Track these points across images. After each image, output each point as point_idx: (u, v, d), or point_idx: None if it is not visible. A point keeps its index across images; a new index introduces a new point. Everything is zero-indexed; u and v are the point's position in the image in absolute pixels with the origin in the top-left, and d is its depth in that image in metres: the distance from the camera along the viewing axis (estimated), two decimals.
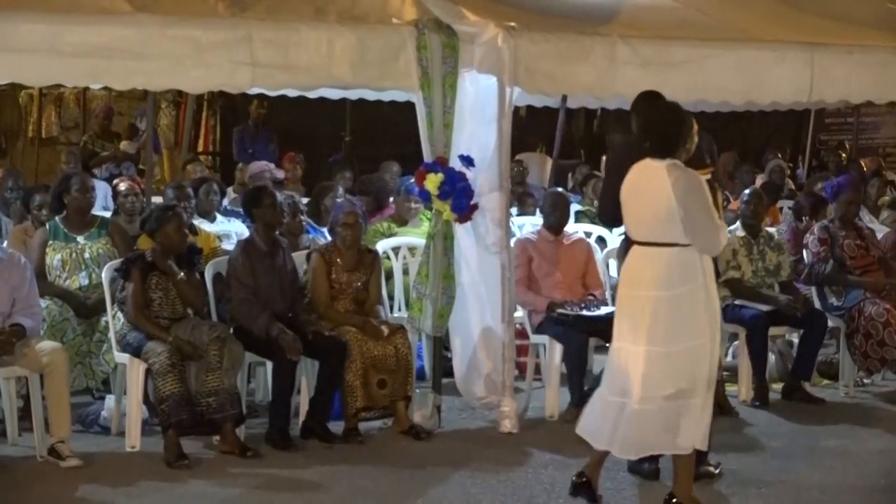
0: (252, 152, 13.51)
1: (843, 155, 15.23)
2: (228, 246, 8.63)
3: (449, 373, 8.15)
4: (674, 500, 6.15)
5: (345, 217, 7.88)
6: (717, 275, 6.87)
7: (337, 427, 7.53)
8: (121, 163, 12.99)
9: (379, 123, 14.87)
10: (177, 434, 7.00)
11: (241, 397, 7.28)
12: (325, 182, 10.62)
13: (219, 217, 9.76)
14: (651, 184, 6.06)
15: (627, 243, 6.93)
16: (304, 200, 9.88)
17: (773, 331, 8.66)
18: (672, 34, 8.23)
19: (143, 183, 9.79)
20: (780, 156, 14.72)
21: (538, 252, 8.47)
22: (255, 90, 8.35)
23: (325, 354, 7.50)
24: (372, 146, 15.72)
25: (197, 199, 9.45)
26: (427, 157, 7.72)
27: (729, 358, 9.05)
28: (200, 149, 16.79)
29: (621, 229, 9.06)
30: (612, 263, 8.98)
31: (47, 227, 8.19)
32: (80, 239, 8.15)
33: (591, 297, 8.32)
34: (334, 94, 10.28)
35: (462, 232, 7.84)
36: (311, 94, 9.91)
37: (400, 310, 8.79)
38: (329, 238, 8.39)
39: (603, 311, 8.17)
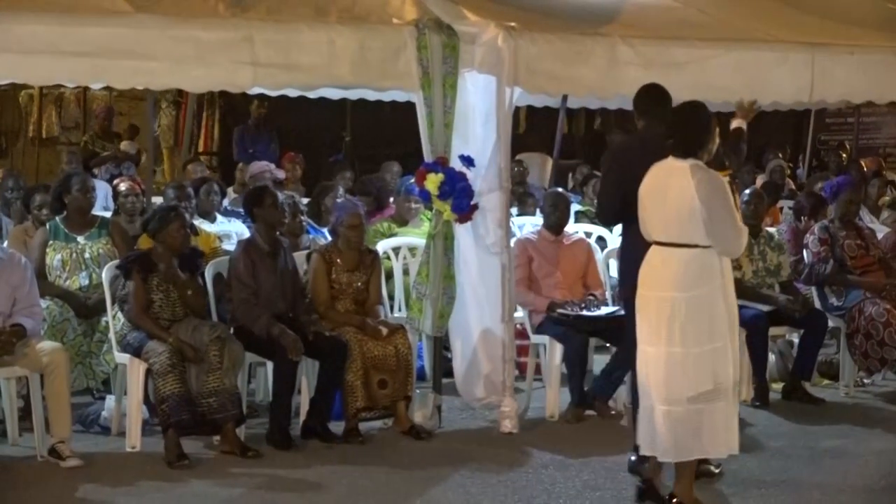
0: (252, 152, 13.50)
1: (844, 155, 15.24)
2: (229, 246, 8.63)
3: (449, 373, 8.14)
4: (675, 500, 6.15)
5: (350, 219, 7.87)
6: None
7: (337, 427, 7.54)
8: (121, 163, 13.00)
9: (379, 123, 14.88)
10: (177, 434, 7.00)
11: (241, 397, 7.28)
12: (325, 182, 10.62)
13: (219, 217, 9.76)
14: (673, 184, 6.04)
15: (626, 242, 6.95)
16: (305, 200, 9.88)
17: (773, 331, 8.66)
18: (673, 34, 8.23)
19: (144, 183, 9.79)
20: (780, 156, 14.72)
21: (538, 252, 8.47)
22: (255, 90, 8.35)
23: (326, 354, 7.51)
24: (372, 146, 15.73)
25: (197, 200, 9.45)
26: (427, 157, 7.72)
27: None
28: (201, 149, 16.78)
29: (621, 229, 9.10)
30: (613, 263, 8.98)
31: (48, 227, 8.19)
32: (81, 239, 8.15)
33: (591, 298, 8.32)
34: (335, 94, 10.29)
35: (462, 232, 7.83)
36: (312, 95, 9.92)
37: (400, 310, 8.79)
38: (329, 238, 8.39)
39: (603, 311, 8.18)
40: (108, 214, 9.15)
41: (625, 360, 7.95)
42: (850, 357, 8.87)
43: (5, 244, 8.27)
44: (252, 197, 7.94)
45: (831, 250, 9.06)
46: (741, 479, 6.76)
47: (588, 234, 9.75)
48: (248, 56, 7.25)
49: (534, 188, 12.35)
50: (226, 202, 10.52)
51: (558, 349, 8.13)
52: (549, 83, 8.09)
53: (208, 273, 7.74)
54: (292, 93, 9.55)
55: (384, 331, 7.67)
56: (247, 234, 8.43)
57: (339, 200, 8.65)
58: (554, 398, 8.12)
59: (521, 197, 11.26)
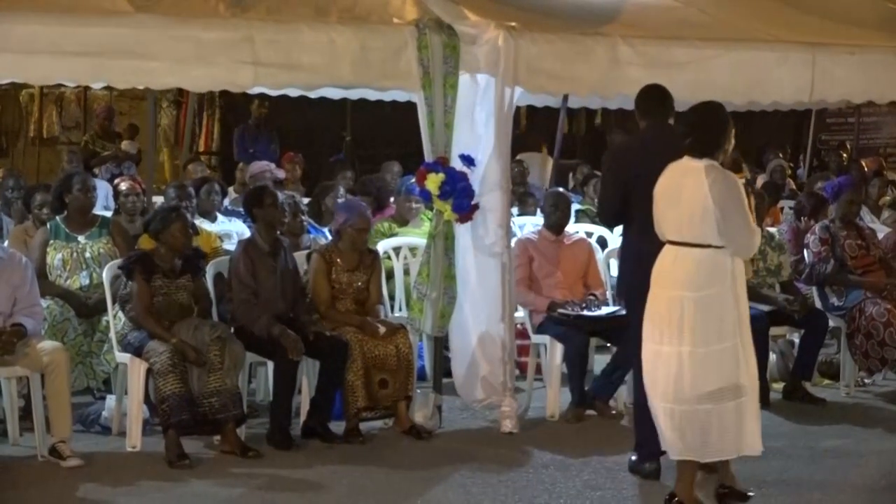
0: (253, 152, 13.51)
1: (844, 155, 15.24)
2: (229, 246, 8.64)
3: (449, 373, 8.14)
4: (675, 500, 6.15)
5: (360, 222, 7.87)
6: None
7: (338, 427, 7.53)
8: (121, 162, 13.00)
9: (379, 123, 14.88)
10: (177, 434, 7.00)
11: (242, 397, 7.28)
12: (326, 182, 10.62)
13: (220, 217, 9.76)
14: (688, 184, 6.05)
15: (626, 242, 6.95)
16: (305, 200, 9.88)
17: (774, 331, 8.65)
18: (673, 34, 8.23)
19: (144, 183, 9.80)
20: (781, 156, 14.73)
21: (539, 252, 8.47)
22: (256, 90, 8.35)
23: (326, 354, 7.50)
24: (372, 146, 15.74)
25: (198, 199, 9.45)
26: (428, 156, 7.71)
27: None
28: (201, 149, 16.79)
29: (621, 229, 9.10)
30: (613, 263, 8.98)
31: (48, 226, 8.20)
32: (81, 238, 8.15)
33: (592, 297, 8.32)
34: (335, 93, 10.28)
35: (463, 232, 7.83)
36: (312, 94, 9.91)
37: (400, 310, 8.79)
38: (329, 238, 8.39)
39: (604, 311, 8.18)
40: (108, 214, 9.15)
41: (625, 361, 7.97)
42: (851, 357, 8.87)
43: (6, 244, 8.27)
44: (252, 197, 7.94)
45: (832, 250, 9.06)
46: (741, 479, 6.73)
47: (589, 234, 9.75)
48: (248, 56, 7.25)
49: (534, 188, 12.35)
50: (226, 202, 10.51)
51: (559, 349, 8.13)
52: (550, 83, 8.09)
53: (209, 273, 7.74)
54: (293, 92, 9.55)
55: (381, 329, 7.67)
56: (247, 233, 8.43)
57: (345, 201, 8.58)
58: (554, 398, 8.12)
59: (521, 197, 11.26)
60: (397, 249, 9.07)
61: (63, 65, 7.03)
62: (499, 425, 7.73)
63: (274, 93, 9.32)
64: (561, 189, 9.77)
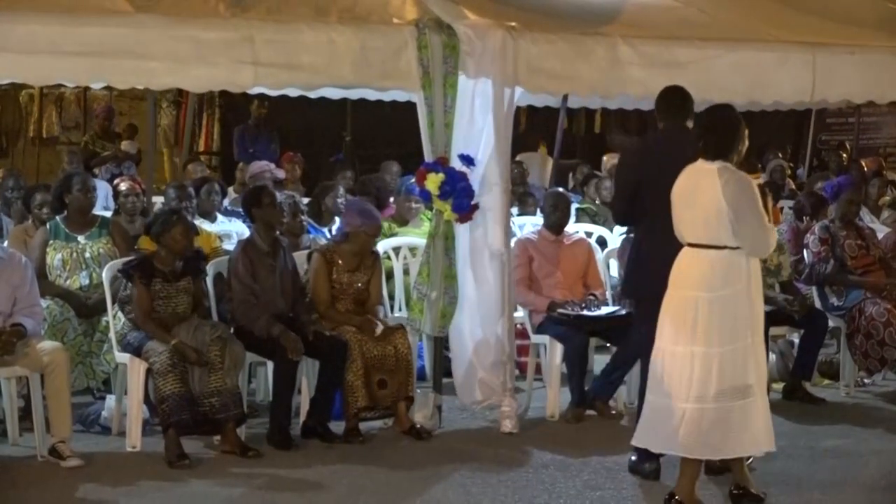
0: (253, 152, 13.50)
1: (844, 155, 15.23)
2: (229, 246, 8.63)
3: (450, 373, 8.13)
4: (675, 499, 6.15)
5: (374, 230, 7.90)
6: None
7: (338, 427, 7.53)
8: (121, 163, 13.00)
9: (379, 123, 14.88)
10: (177, 434, 6.99)
11: (242, 397, 7.28)
12: (325, 182, 10.62)
13: (219, 217, 9.76)
14: (702, 186, 6.08)
15: (635, 241, 6.96)
16: (305, 200, 9.88)
17: (773, 331, 8.64)
18: (674, 34, 8.23)
19: (144, 183, 9.79)
20: (780, 155, 14.71)
21: (539, 252, 8.47)
22: (256, 90, 8.35)
23: (326, 354, 7.50)
24: (372, 146, 15.74)
25: (198, 199, 9.44)
26: (428, 156, 7.71)
27: None
28: (201, 149, 16.78)
29: (622, 229, 9.10)
30: (613, 263, 8.99)
31: (48, 226, 8.19)
32: (81, 239, 8.15)
33: (591, 297, 8.32)
34: (335, 93, 10.28)
35: (463, 232, 7.83)
36: (312, 94, 9.91)
37: (400, 310, 8.79)
38: (329, 238, 8.38)
39: (604, 311, 8.18)
40: (108, 214, 9.15)
41: (625, 361, 7.99)
42: (851, 357, 8.87)
43: (5, 244, 8.27)
44: (250, 197, 7.94)
45: (832, 250, 9.06)
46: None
47: (589, 234, 9.75)
48: (248, 56, 7.25)
49: (534, 188, 12.35)
50: (226, 202, 10.51)
51: (559, 349, 8.13)
52: (550, 83, 8.09)
53: (209, 273, 7.73)
54: (293, 92, 9.54)
55: (379, 328, 7.66)
56: (247, 233, 8.42)
57: (360, 204, 8.39)
58: (554, 398, 8.12)
59: (521, 197, 11.26)
60: (397, 249, 9.07)
61: (63, 65, 7.03)
62: (499, 425, 7.72)
63: (274, 93, 9.32)
64: (561, 189, 9.78)
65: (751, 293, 6.10)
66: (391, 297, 8.83)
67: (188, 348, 7.08)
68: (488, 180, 7.69)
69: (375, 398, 7.59)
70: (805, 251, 9.23)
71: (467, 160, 7.65)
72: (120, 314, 7.56)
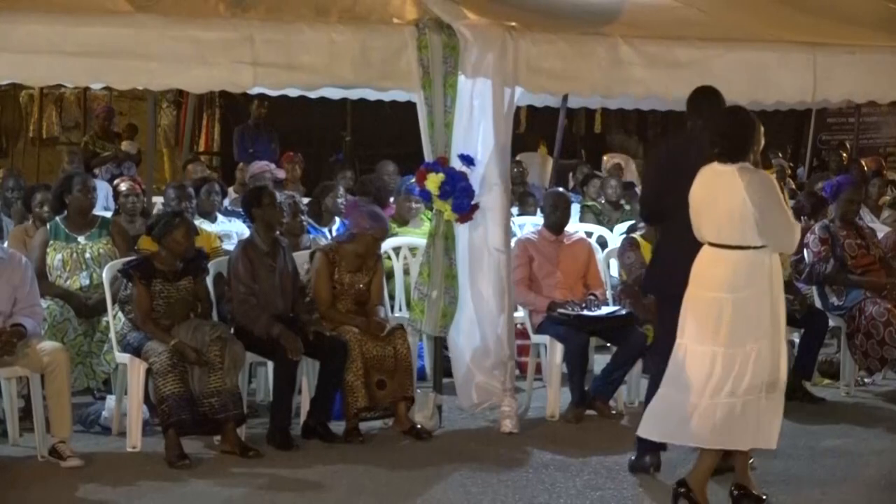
0: (253, 152, 13.49)
1: (844, 154, 15.23)
2: (229, 246, 8.63)
3: (450, 373, 8.14)
4: (682, 490, 6.13)
5: (382, 233, 7.91)
6: None
7: (338, 427, 7.54)
8: (121, 163, 12.99)
9: (379, 123, 14.88)
10: (177, 434, 7.00)
11: (242, 397, 7.28)
12: (326, 182, 10.62)
13: (220, 217, 9.76)
14: (722, 186, 6.08)
15: (659, 239, 6.98)
16: (305, 200, 9.88)
17: None
18: (674, 34, 8.23)
19: (144, 183, 9.79)
20: (781, 155, 14.72)
21: (539, 252, 8.47)
22: (256, 90, 8.35)
23: (326, 354, 7.51)
24: (372, 146, 15.73)
25: (198, 199, 9.45)
26: (428, 156, 7.72)
27: None
28: (201, 149, 16.78)
29: (622, 228, 9.10)
30: (613, 263, 8.99)
31: (48, 226, 8.19)
32: (81, 239, 8.15)
33: (591, 297, 8.32)
34: (335, 93, 10.29)
35: (463, 232, 7.83)
36: (312, 94, 9.92)
37: (401, 310, 8.79)
38: (329, 238, 8.37)
39: (604, 310, 8.18)
40: (108, 214, 9.15)
41: (625, 361, 8.00)
42: (851, 356, 8.87)
43: (6, 244, 8.27)
44: (250, 197, 7.94)
45: (832, 250, 9.06)
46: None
47: (589, 234, 9.75)
48: (248, 56, 7.25)
49: (534, 188, 12.35)
50: (226, 202, 10.51)
51: (559, 349, 8.12)
52: (551, 83, 8.09)
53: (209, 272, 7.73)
54: (293, 93, 9.55)
55: (381, 325, 7.66)
56: (247, 234, 8.42)
57: (369, 207, 8.34)
58: (554, 398, 8.12)
59: (521, 197, 11.27)
60: (397, 249, 9.07)
61: (63, 65, 7.03)
62: (499, 425, 7.73)
63: (274, 93, 9.32)
64: (561, 189, 9.78)
65: (773, 292, 6.13)
66: (391, 297, 8.83)
67: (188, 348, 7.08)
68: (488, 180, 7.70)
69: (375, 398, 7.59)
70: (805, 251, 9.22)
71: (467, 160, 7.65)
72: (120, 314, 7.57)
